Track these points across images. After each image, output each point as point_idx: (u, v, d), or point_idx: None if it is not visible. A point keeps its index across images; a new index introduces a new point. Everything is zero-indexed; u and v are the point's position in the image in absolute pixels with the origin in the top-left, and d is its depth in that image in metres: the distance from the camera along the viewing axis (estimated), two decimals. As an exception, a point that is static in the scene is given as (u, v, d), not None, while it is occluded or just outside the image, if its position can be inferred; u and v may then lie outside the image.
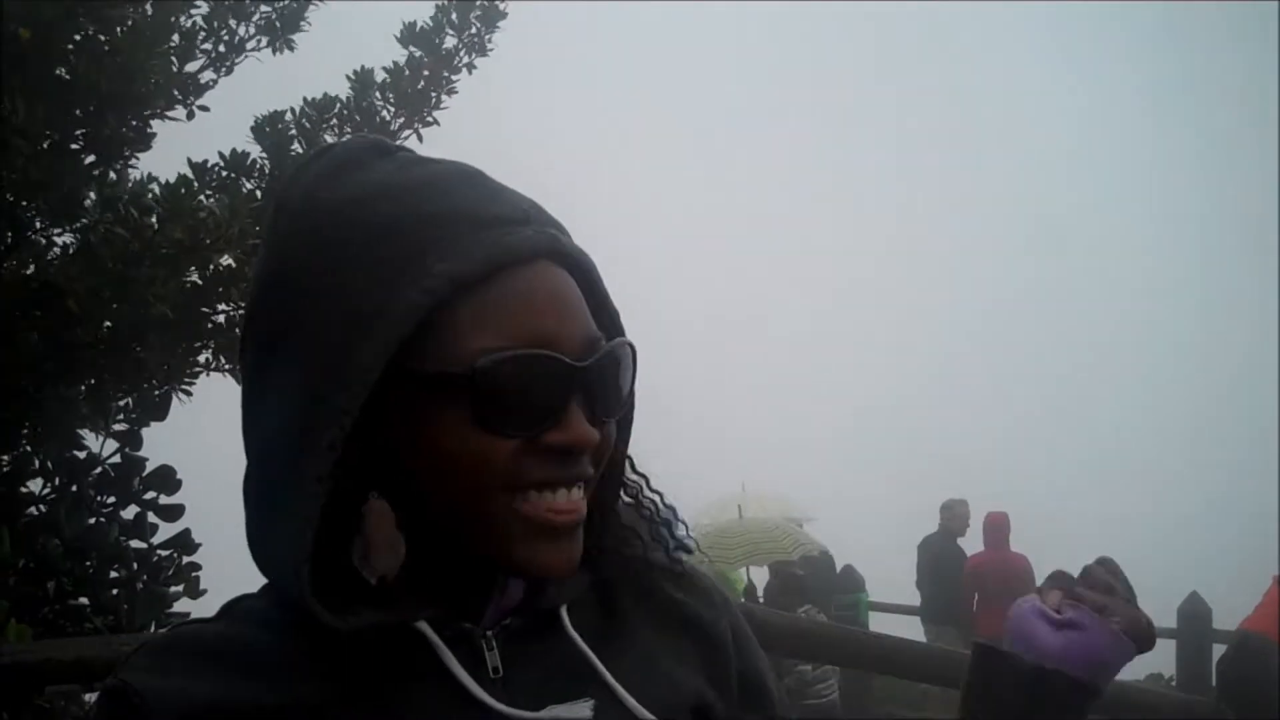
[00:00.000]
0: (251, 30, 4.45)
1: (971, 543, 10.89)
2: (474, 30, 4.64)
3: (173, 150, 4.18)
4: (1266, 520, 10.89)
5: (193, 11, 4.34)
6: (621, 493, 1.09)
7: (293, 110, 4.32)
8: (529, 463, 0.90)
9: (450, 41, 4.62)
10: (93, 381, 3.92)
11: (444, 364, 0.88)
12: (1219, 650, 6.37)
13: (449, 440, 0.89)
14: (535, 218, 0.95)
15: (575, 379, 0.91)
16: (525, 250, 0.91)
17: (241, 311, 3.97)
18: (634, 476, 1.11)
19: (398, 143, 1.04)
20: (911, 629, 10.96)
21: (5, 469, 4.05)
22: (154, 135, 4.25)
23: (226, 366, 4.13)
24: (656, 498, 1.12)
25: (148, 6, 4.04)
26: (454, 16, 4.61)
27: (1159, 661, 10.96)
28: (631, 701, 0.98)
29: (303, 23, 4.55)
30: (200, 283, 3.88)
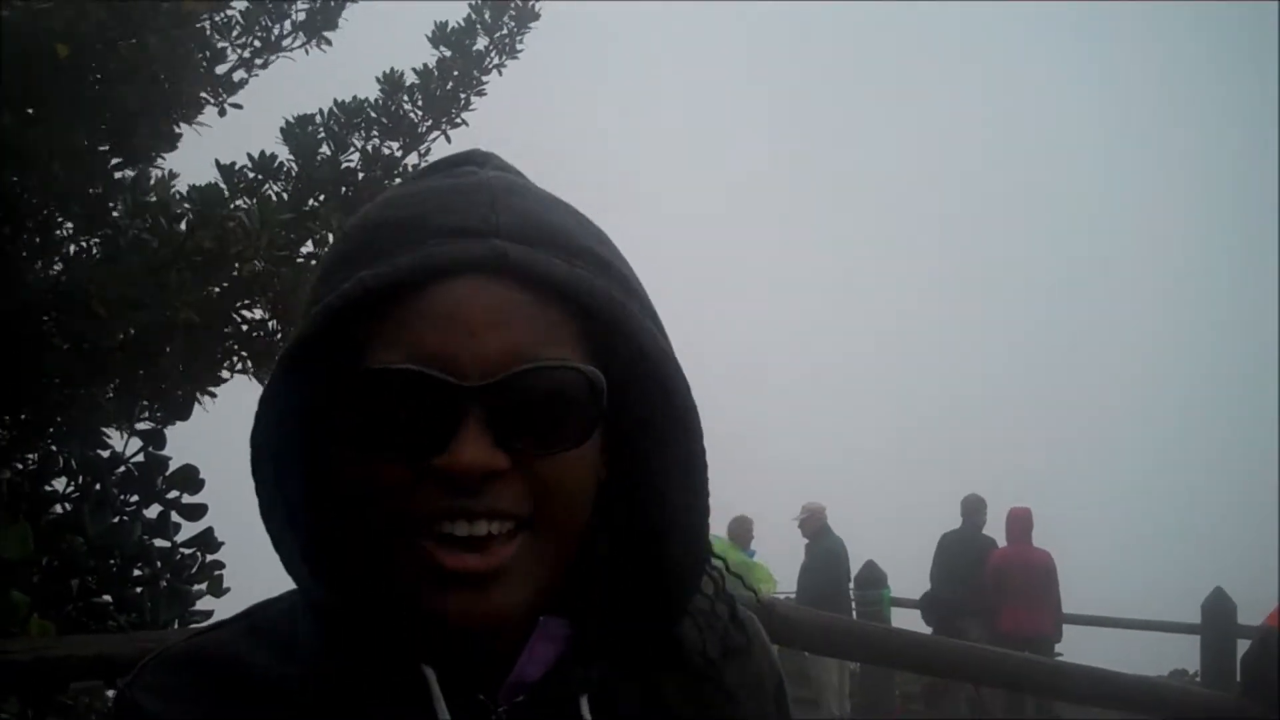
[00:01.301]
0: (288, 27, 4.44)
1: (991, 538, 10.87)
2: (505, 31, 4.63)
3: (201, 148, 4.19)
4: (1293, 516, 10.81)
5: (226, 11, 4.34)
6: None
7: (321, 112, 4.32)
8: (422, 492, 0.82)
9: (482, 42, 4.60)
10: (117, 383, 3.94)
11: (344, 378, 0.85)
12: (1244, 646, 6.34)
13: (349, 467, 0.85)
14: (505, 230, 0.86)
15: (466, 399, 0.81)
16: (446, 262, 0.84)
17: (270, 316, 4.00)
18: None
19: (489, 152, 1.00)
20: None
21: (30, 468, 4.07)
22: (181, 135, 4.26)
23: (252, 369, 4.13)
24: (719, 572, 1.03)
25: (180, 11, 4.04)
26: (487, 16, 4.60)
27: (1184, 657, 10.95)
28: None
29: (341, 20, 4.54)
30: (228, 285, 3.89)
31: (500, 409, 0.82)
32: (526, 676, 0.91)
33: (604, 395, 0.87)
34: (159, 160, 4.18)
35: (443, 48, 4.53)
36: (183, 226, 3.48)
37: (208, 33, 4.21)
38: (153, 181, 3.84)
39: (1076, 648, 10.43)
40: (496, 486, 0.83)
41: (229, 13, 4.33)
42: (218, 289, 3.81)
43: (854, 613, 10.82)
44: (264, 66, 4.44)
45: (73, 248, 3.86)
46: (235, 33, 4.34)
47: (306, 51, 4.48)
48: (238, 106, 4.36)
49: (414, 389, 0.81)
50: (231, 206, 3.76)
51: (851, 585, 11.26)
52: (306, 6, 4.42)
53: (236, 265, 3.68)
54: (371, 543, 0.86)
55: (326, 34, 4.47)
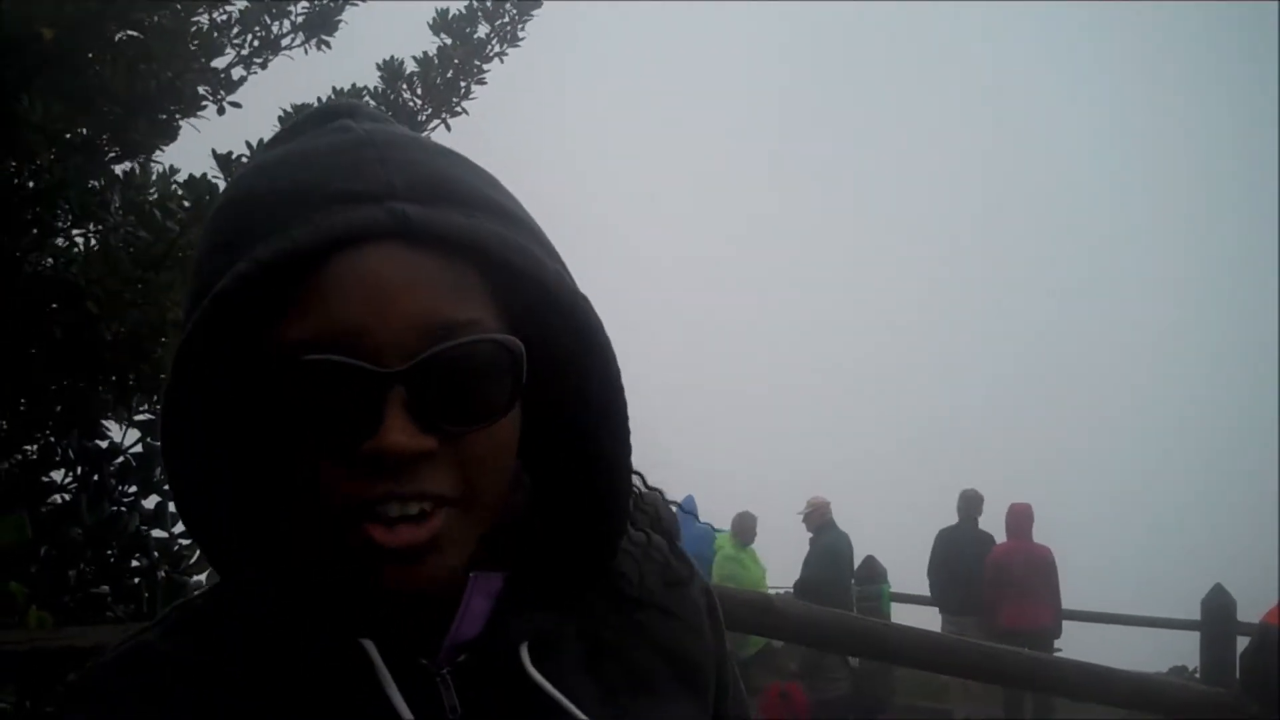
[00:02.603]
0: (287, 27, 4.42)
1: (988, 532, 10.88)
2: (507, 19, 4.61)
3: (200, 146, 4.18)
4: (1292, 513, 10.80)
5: (226, 8, 4.33)
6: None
7: (320, 100, 4.29)
8: (352, 479, 0.80)
9: (483, 30, 4.58)
10: (114, 378, 3.94)
11: (262, 365, 0.80)
12: (1243, 642, 6.33)
13: (285, 456, 0.81)
14: (403, 191, 0.82)
15: (385, 382, 0.79)
16: (344, 230, 0.79)
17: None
18: (644, 506, 1.02)
19: (371, 107, 0.98)
20: (934, 620, 10.94)
21: (28, 458, 4.07)
22: (179, 129, 4.25)
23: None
24: (654, 505, 1.03)
25: (177, 5, 4.02)
26: (488, 4, 4.58)
27: (1183, 654, 10.94)
28: None
29: (340, 21, 4.52)
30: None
31: (422, 390, 0.80)
32: (464, 635, 0.90)
33: (523, 361, 0.85)
34: (158, 153, 4.18)
35: (444, 35, 4.52)
36: (176, 224, 3.47)
37: (206, 28, 4.20)
38: (154, 177, 3.83)
39: (1076, 644, 10.43)
40: (425, 468, 0.80)
41: (228, 9, 4.32)
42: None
43: (854, 608, 10.82)
44: (263, 66, 4.43)
45: (65, 241, 3.86)
46: (234, 32, 4.33)
47: (305, 52, 4.47)
48: (236, 105, 4.34)
49: (332, 378, 0.78)
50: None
51: (852, 580, 11.26)
52: (306, 9, 4.41)
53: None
54: (300, 524, 0.85)
55: (325, 36, 4.46)
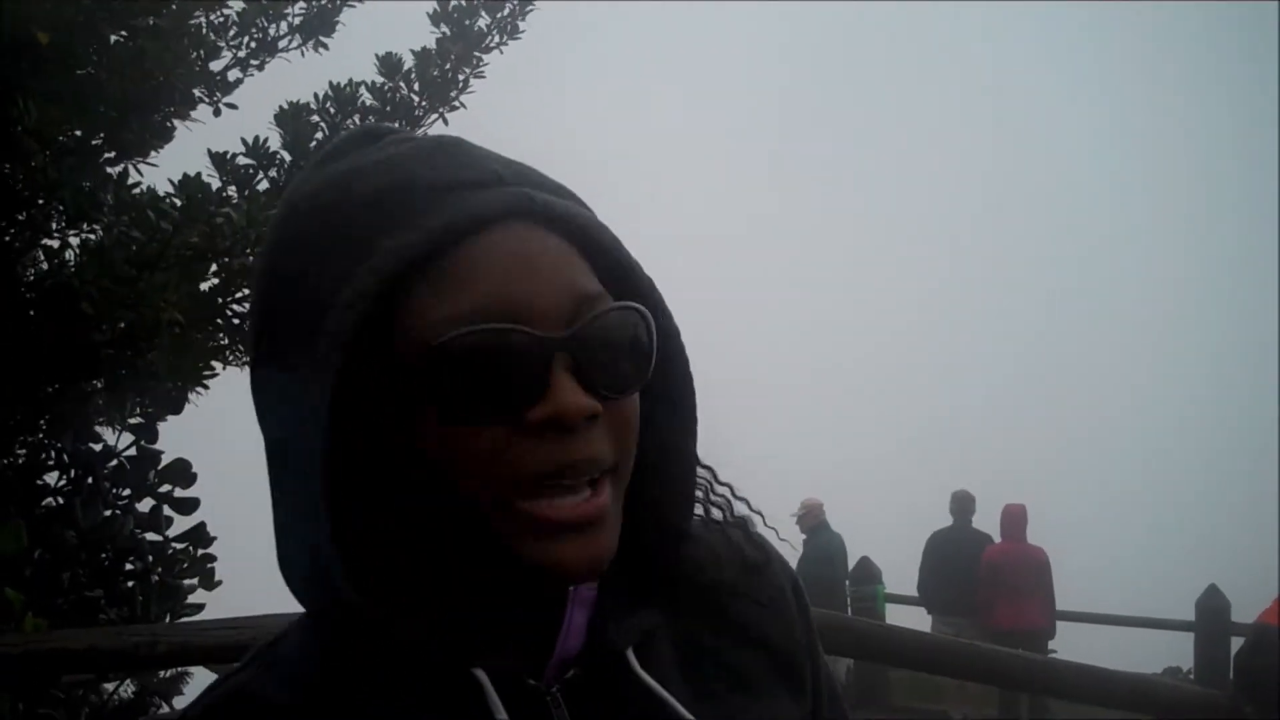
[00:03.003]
0: (284, 29, 4.41)
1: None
2: (507, 11, 4.58)
3: (195, 146, 4.16)
4: (1286, 513, 10.82)
5: (223, 10, 4.32)
6: (680, 497, 0.95)
7: (316, 96, 4.24)
8: (520, 451, 0.78)
9: (482, 22, 4.55)
10: (108, 379, 3.93)
11: (408, 350, 0.78)
12: (1238, 643, 6.34)
13: (435, 437, 0.78)
14: (509, 178, 0.84)
15: (552, 348, 0.79)
16: (484, 212, 0.81)
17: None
18: (702, 473, 0.98)
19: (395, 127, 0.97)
20: (928, 621, 10.94)
21: (22, 462, 4.06)
22: (174, 130, 4.24)
23: (244, 360, 4.11)
24: (726, 498, 1.01)
25: (173, 6, 4.02)
26: (490, -5, 4.56)
27: (1177, 655, 10.95)
28: None
29: (337, 22, 4.50)
30: (216, 282, 3.87)
31: (582, 355, 0.80)
32: (568, 651, 0.87)
33: (654, 329, 0.86)
34: (152, 154, 4.17)
35: (443, 25, 4.49)
36: (169, 224, 3.46)
37: (203, 31, 4.20)
38: (142, 187, 3.83)
39: (1070, 644, 10.43)
40: (594, 433, 0.81)
41: (225, 12, 4.31)
42: (205, 285, 3.79)
43: (848, 608, 10.81)
44: (260, 68, 4.42)
45: (59, 242, 3.85)
46: (231, 33, 4.32)
47: (303, 54, 4.46)
48: (233, 107, 4.33)
49: (501, 346, 0.78)
50: (222, 196, 3.74)
51: (847, 581, 11.26)
52: (303, 11, 4.40)
53: (226, 259, 3.66)
54: (445, 518, 0.81)
55: (323, 38, 4.45)
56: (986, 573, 10.32)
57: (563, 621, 0.86)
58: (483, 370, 0.78)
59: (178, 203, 3.49)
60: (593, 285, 0.84)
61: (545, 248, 0.82)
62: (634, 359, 0.84)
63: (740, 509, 1.03)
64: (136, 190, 3.74)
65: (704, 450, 0.97)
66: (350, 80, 4.26)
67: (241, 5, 4.32)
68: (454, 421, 0.78)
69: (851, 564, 11.23)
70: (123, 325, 3.59)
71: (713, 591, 0.98)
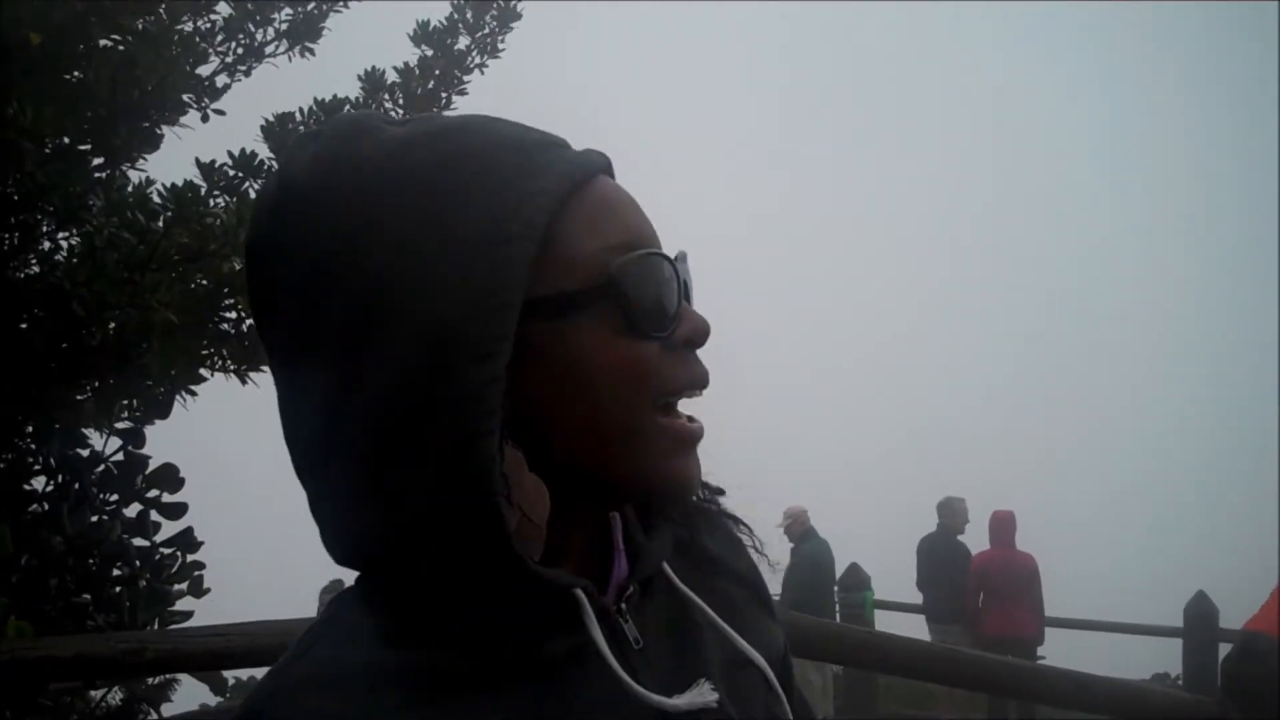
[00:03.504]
0: (270, 35, 4.42)
1: (970, 541, 10.88)
2: (487, 31, 4.62)
3: (183, 152, 4.16)
4: (1274, 520, 10.86)
5: (210, 16, 4.32)
6: None
7: (301, 110, 4.30)
8: (671, 365, 0.90)
9: (463, 42, 4.59)
10: (97, 384, 3.92)
11: (571, 278, 0.86)
12: (1225, 649, 6.36)
13: (600, 356, 0.86)
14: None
15: (680, 275, 0.92)
16: (598, 162, 0.93)
17: (249, 316, 3.95)
18: None
19: None
20: (917, 627, 10.95)
21: (7, 466, 4.04)
22: (163, 136, 4.24)
23: (232, 368, 4.11)
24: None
25: (162, 10, 4.02)
26: (469, 16, 4.59)
27: (1165, 661, 10.98)
28: (754, 653, 1.00)
29: (323, 28, 4.52)
30: (207, 285, 3.86)
31: (688, 282, 0.94)
32: (621, 573, 0.96)
33: None
34: (140, 161, 4.16)
35: (424, 46, 4.52)
36: (160, 224, 3.45)
37: (191, 36, 4.20)
38: (130, 187, 3.82)
39: (1059, 651, 10.44)
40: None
41: (212, 17, 4.31)
42: (195, 287, 3.78)
43: (838, 615, 10.81)
44: (247, 73, 4.43)
45: (49, 245, 3.84)
46: (219, 39, 4.32)
47: (290, 59, 4.47)
48: (220, 113, 4.33)
49: (654, 269, 0.89)
50: (210, 204, 3.74)
51: (835, 588, 11.26)
52: (290, 16, 4.40)
53: (216, 264, 3.66)
54: (594, 439, 0.88)
55: (309, 44, 4.45)
56: (975, 579, 10.34)
57: (614, 548, 0.97)
58: (654, 289, 0.89)
59: (169, 207, 3.48)
60: None
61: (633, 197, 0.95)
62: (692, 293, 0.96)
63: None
64: (129, 191, 3.74)
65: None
66: (334, 95, 4.29)
67: (229, 11, 4.33)
68: (633, 336, 0.87)
69: (840, 571, 11.22)
70: (114, 326, 3.58)
71: (690, 534, 1.08)
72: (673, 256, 0.92)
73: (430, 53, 4.51)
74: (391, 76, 4.45)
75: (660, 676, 0.92)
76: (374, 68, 4.42)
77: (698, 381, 0.92)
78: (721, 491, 1.14)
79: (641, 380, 0.87)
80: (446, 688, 0.84)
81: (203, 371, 4.03)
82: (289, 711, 0.82)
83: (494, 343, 0.81)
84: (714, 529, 1.13)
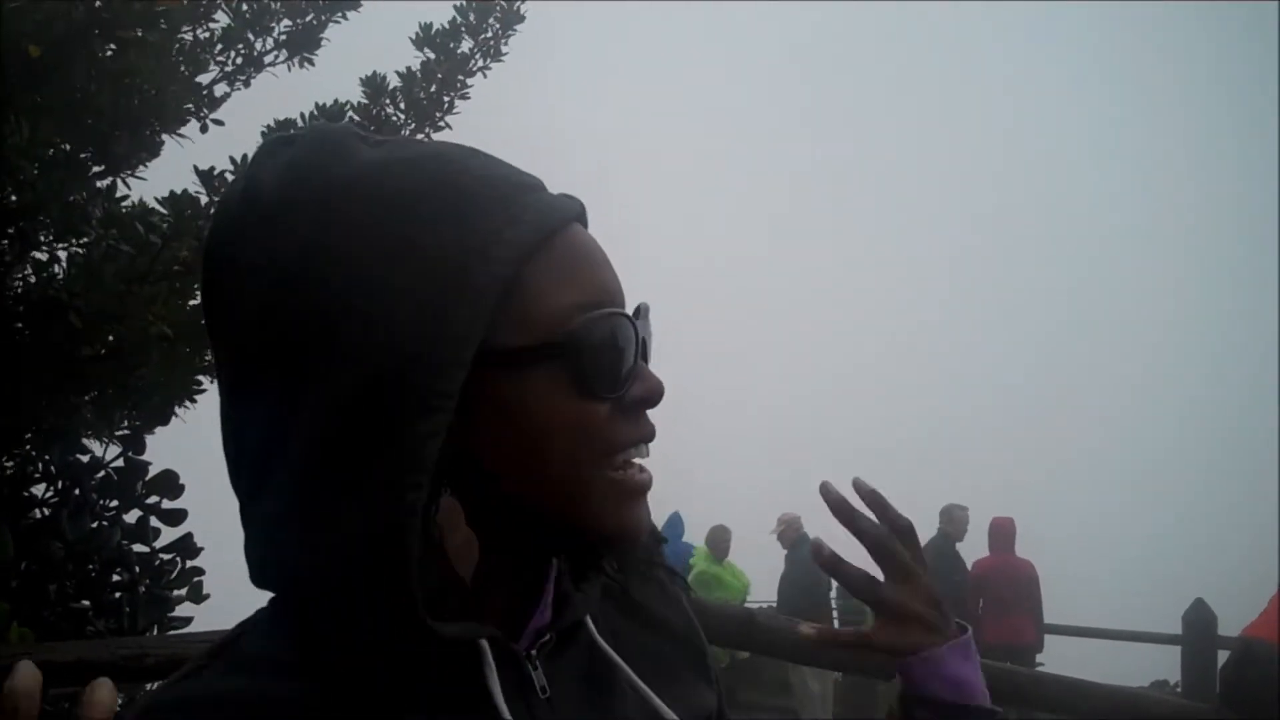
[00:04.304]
0: (270, 44, 4.42)
1: (970, 548, 10.87)
2: (490, 34, 4.62)
3: (183, 162, 4.16)
4: (1272, 527, 10.85)
5: (210, 25, 4.32)
6: None
7: (303, 116, 4.29)
8: (619, 424, 0.89)
9: (466, 45, 4.59)
10: (96, 393, 3.92)
11: (530, 332, 0.84)
12: (1224, 656, 6.35)
13: (551, 413, 0.85)
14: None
15: (639, 334, 0.90)
16: (571, 211, 0.91)
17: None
18: None
19: None
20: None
21: (8, 472, 4.05)
22: (163, 145, 4.24)
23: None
24: None
25: (161, 23, 4.02)
26: (472, 19, 4.58)
27: (1164, 668, 10.96)
28: (669, 713, 0.97)
29: (322, 38, 4.52)
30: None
31: (646, 340, 0.92)
32: (542, 621, 0.95)
33: None
34: (141, 169, 4.17)
35: (427, 50, 4.52)
36: (159, 238, 3.45)
37: (191, 46, 4.20)
38: (129, 197, 3.82)
39: (1058, 657, 10.45)
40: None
41: (211, 26, 4.32)
42: (194, 301, 3.79)
43: (835, 622, 10.81)
44: (246, 84, 4.43)
45: (47, 255, 3.85)
46: (218, 49, 4.32)
47: (289, 69, 4.47)
48: (219, 123, 4.33)
49: (613, 328, 0.88)
50: (211, 211, 3.74)
51: (834, 594, 11.26)
52: (289, 27, 4.41)
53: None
54: (539, 490, 0.87)
55: (308, 54, 4.46)
56: (975, 586, 10.34)
57: (542, 596, 0.95)
58: (612, 349, 0.87)
59: (168, 218, 3.49)
60: None
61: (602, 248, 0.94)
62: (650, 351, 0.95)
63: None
64: (125, 204, 3.74)
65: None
66: (335, 100, 4.28)
67: (228, 21, 4.33)
68: (583, 395, 0.86)
69: (836, 578, 11.23)
70: (111, 338, 3.58)
71: (623, 590, 1.07)
72: (633, 311, 0.92)
73: (432, 56, 4.50)
74: (393, 81, 4.44)
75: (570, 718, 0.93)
76: (375, 72, 4.42)
77: (644, 439, 0.92)
78: (663, 539, 1.13)
79: (589, 440, 0.87)
80: None
81: (202, 379, 4.03)
82: None
83: (439, 398, 0.80)
84: (650, 584, 1.11)
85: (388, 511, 0.80)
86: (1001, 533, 10.46)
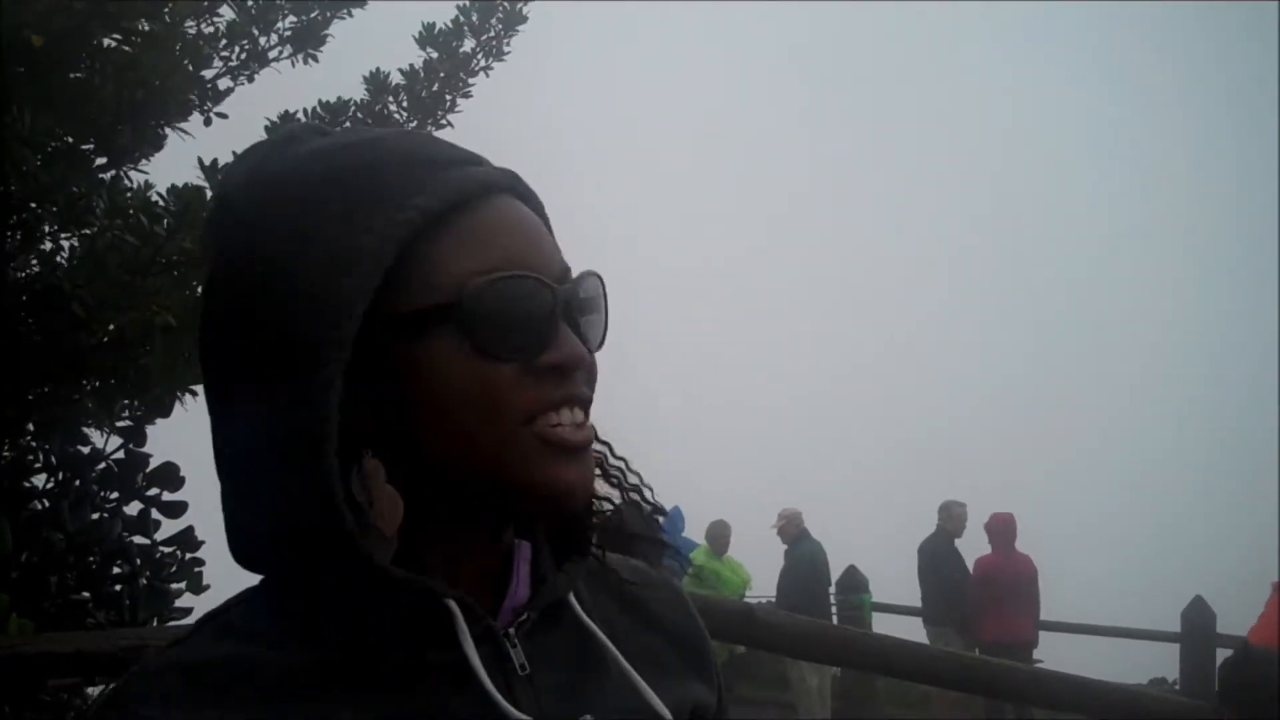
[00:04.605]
0: (274, 40, 4.42)
1: (969, 543, 10.87)
2: (492, 34, 4.62)
3: (186, 156, 4.16)
4: (1271, 525, 10.87)
5: (214, 19, 4.32)
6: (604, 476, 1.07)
7: (305, 112, 4.30)
8: (530, 387, 0.89)
9: (469, 45, 4.59)
10: (97, 383, 3.92)
11: (430, 297, 0.88)
12: (1223, 654, 6.36)
13: (451, 374, 0.88)
14: (488, 162, 0.96)
15: (559, 300, 0.91)
16: (491, 182, 0.93)
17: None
18: (615, 461, 1.09)
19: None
20: (915, 630, 10.95)
21: (8, 463, 4.05)
22: (166, 138, 4.24)
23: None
24: (620, 469, 1.09)
25: (166, 14, 4.02)
26: (474, 18, 4.59)
27: (1163, 666, 10.98)
28: (653, 697, 0.97)
29: (326, 34, 4.52)
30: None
31: (575, 311, 0.93)
32: (522, 597, 0.97)
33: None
34: (144, 163, 4.17)
35: (429, 49, 4.52)
36: (163, 228, 3.45)
37: (195, 39, 4.20)
38: (132, 188, 3.82)
39: (1056, 655, 10.46)
40: (579, 377, 0.93)
41: (216, 20, 4.31)
42: (197, 290, 3.79)
43: (835, 617, 10.82)
44: (250, 79, 4.43)
45: (51, 245, 3.85)
46: (221, 44, 4.32)
47: (293, 64, 4.47)
48: (223, 116, 4.33)
49: (518, 291, 0.89)
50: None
51: (833, 589, 11.27)
52: (293, 23, 4.41)
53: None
54: (458, 451, 0.89)
55: (312, 50, 4.46)
56: (980, 584, 10.32)
57: (513, 573, 0.97)
58: (512, 313, 0.88)
59: (172, 209, 3.49)
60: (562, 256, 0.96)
61: (535, 219, 0.96)
62: (604, 320, 0.98)
63: (633, 480, 1.10)
64: (129, 194, 3.74)
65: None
66: (339, 97, 4.30)
67: (233, 16, 4.33)
68: (483, 356, 0.88)
69: (835, 573, 11.23)
70: (114, 328, 3.59)
71: (619, 581, 1.08)
72: (567, 278, 0.93)
73: (435, 55, 4.51)
74: (396, 79, 4.44)
75: (546, 706, 0.93)
76: (378, 70, 4.42)
77: (565, 401, 0.91)
78: (662, 512, 1.12)
79: (493, 402, 0.88)
80: (304, 689, 0.88)
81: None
82: (144, 690, 0.87)
83: (331, 349, 0.85)
84: (657, 587, 1.12)
85: (311, 470, 0.85)
86: (1003, 529, 10.45)
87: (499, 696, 0.88)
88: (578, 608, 0.99)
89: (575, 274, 0.95)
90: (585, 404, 0.93)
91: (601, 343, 0.98)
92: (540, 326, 0.90)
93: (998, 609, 10.09)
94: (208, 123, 4.30)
